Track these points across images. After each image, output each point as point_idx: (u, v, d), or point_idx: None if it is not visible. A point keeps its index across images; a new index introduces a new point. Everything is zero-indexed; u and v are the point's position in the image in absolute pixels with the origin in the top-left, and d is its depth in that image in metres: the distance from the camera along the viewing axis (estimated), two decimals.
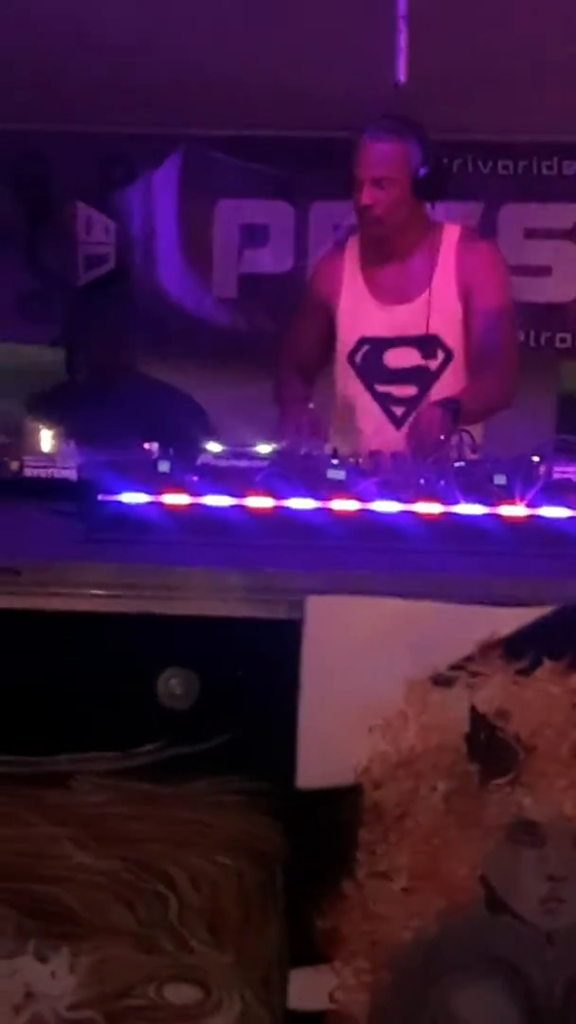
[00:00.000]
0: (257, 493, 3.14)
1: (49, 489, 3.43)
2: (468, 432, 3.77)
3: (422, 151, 4.42)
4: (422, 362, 4.48)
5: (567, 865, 2.84)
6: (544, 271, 6.25)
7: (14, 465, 3.51)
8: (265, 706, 2.89)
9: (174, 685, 2.92)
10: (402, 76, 4.62)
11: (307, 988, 2.89)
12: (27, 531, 3.22)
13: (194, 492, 3.14)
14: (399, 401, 4.48)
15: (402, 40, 4.64)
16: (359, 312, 4.55)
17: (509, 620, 2.88)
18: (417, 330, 4.48)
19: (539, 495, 3.12)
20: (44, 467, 3.47)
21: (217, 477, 3.19)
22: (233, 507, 3.13)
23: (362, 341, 4.53)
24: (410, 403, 4.45)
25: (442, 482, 3.16)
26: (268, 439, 3.39)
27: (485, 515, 3.11)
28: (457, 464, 3.29)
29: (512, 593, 2.91)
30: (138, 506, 3.13)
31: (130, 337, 5.32)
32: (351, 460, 3.27)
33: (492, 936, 2.87)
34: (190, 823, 2.93)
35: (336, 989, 2.89)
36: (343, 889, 2.88)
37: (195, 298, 6.43)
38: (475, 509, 3.12)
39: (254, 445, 3.36)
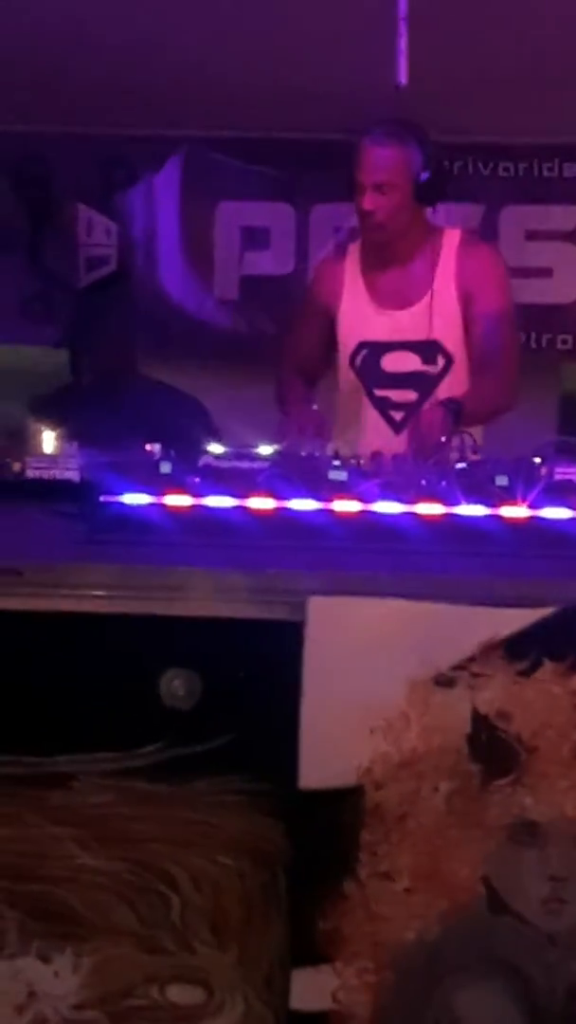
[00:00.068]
0: (259, 494, 3.14)
1: (51, 490, 3.42)
2: (469, 433, 3.77)
3: (423, 155, 4.41)
4: (422, 367, 4.47)
5: (568, 866, 2.85)
6: (545, 273, 6.24)
7: (16, 466, 3.50)
8: (267, 707, 2.89)
9: (176, 686, 2.93)
10: (403, 78, 4.61)
11: (309, 988, 2.89)
12: (29, 532, 3.21)
13: (196, 493, 3.15)
14: (398, 406, 4.47)
15: (403, 42, 4.63)
16: (360, 316, 4.54)
17: (510, 621, 2.88)
18: (417, 335, 4.48)
19: (540, 496, 3.12)
20: (46, 468, 3.47)
21: (219, 478, 3.19)
22: (235, 508, 3.13)
23: (362, 345, 4.53)
24: (409, 408, 4.45)
25: (443, 483, 3.16)
26: (271, 440, 3.39)
27: (486, 516, 3.12)
28: (458, 465, 3.29)
29: (513, 594, 2.91)
30: (140, 507, 3.13)
31: (132, 339, 5.31)
32: (353, 461, 3.27)
33: (494, 937, 2.87)
34: (192, 823, 2.93)
35: (338, 989, 2.90)
36: (345, 890, 2.89)
37: (196, 300, 6.43)
38: (476, 510, 3.12)
39: (256, 446, 3.36)
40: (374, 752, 2.87)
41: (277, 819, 2.92)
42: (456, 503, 3.12)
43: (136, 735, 2.92)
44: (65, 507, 3.28)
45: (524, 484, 3.13)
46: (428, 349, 4.46)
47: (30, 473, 3.48)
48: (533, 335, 6.19)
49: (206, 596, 2.95)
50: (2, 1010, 2.93)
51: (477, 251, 4.58)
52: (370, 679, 2.87)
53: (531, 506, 3.12)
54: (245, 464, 3.26)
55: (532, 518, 3.11)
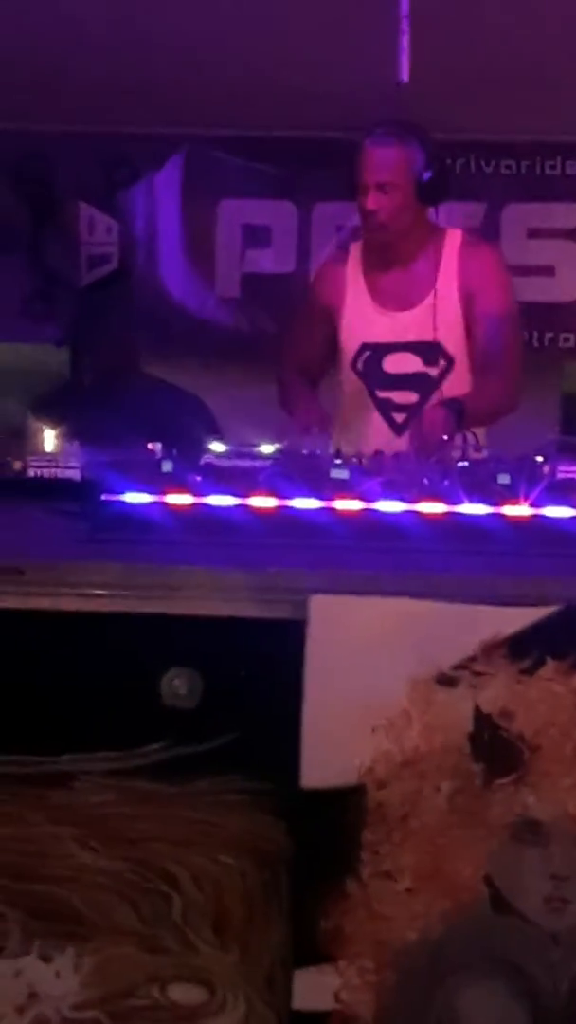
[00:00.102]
0: (260, 493, 3.13)
1: (53, 489, 3.42)
2: (472, 432, 3.76)
3: (425, 155, 4.40)
4: (423, 368, 4.47)
5: (571, 864, 2.84)
6: (547, 271, 6.24)
7: (18, 465, 3.50)
8: (269, 706, 2.89)
9: (178, 685, 2.92)
10: (405, 76, 4.62)
11: (311, 988, 2.89)
12: (31, 531, 3.21)
13: (197, 492, 3.14)
14: (400, 408, 4.47)
15: (405, 40, 4.63)
16: (362, 318, 4.54)
17: (513, 620, 2.88)
18: (419, 336, 4.47)
19: (543, 495, 3.12)
20: (48, 467, 3.46)
21: (220, 477, 3.19)
22: (236, 507, 3.13)
23: (364, 347, 4.52)
24: (411, 410, 4.44)
25: (446, 482, 3.16)
26: (274, 438, 3.38)
27: (489, 515, 3.11)
28: (461, 464, 3.28)
29: (516, 593, 2.91)
30: (142, 506, 3.13)
31: (133, 337, 5.31)
32: (354, 460, 3.26)
33: (497, 936, 2.87)
34: (194, 823, 2.93)
35: (340, 989, 2.89)
36: (347, 889, 2.88)
37: (198, 298, 6.42)
38: (479, 509, 3.11)
39: (257, 445, 3.36)
40: (376, 751, 2.87)
41: (279, 818, 2.91)
42: (458, 502, 3.12)
43: (137, 734, 2.92)
44: (66, 506, 3.28)
45: (526, 483, 3.13)
46: (429, 350, 4.46)
47: (31, 472, 3.47)
48: (535, 334, 6.18)
49: (207, 595, 2.95)
50: (3, 1010, 2.93)
51: (479, 252, 4.57)
52: (372, 678, 2.87)
53: (533, 505, 3.11)
54: (246, 463, 3.25)
55: (534, 517, 3.11)
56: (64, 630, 2.94)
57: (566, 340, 6.29)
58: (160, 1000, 2.93)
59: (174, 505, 3.13)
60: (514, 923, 2.87)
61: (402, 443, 4.27)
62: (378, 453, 3.41)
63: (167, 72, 5.47)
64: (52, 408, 4.30)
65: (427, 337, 4.46)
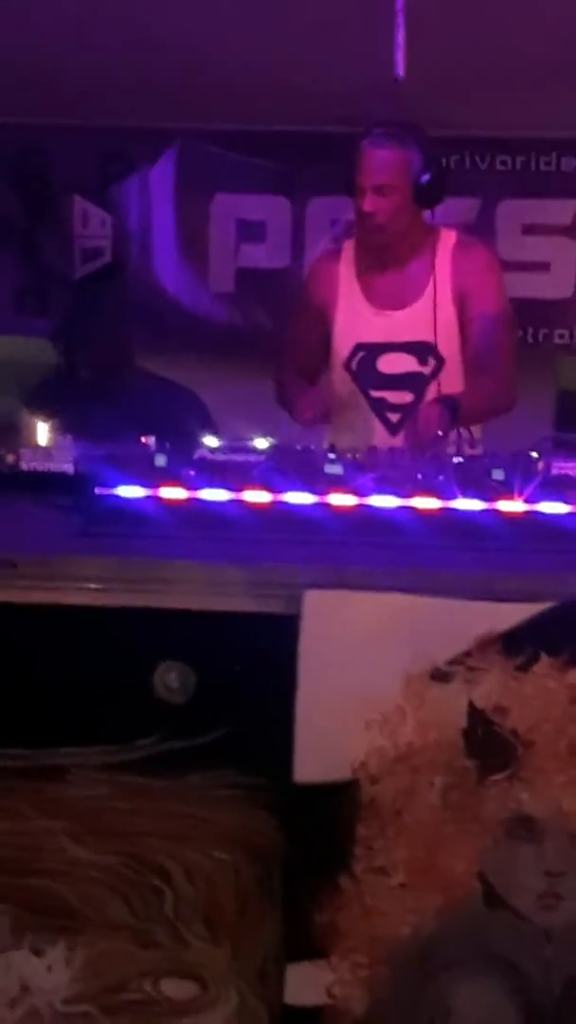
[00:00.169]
0: (254, 487, 3.13)
1: (46, 483, 3.42)
2: (467, 428, 3.76)
3: (423, 157, 4.40)
4: (418, 368, 4.47)
5: (565, 861, 2.84)
6: (542, 267, 6.25)
7: (11, 458, 3.50)
8: (262, 700, 2.88)
9: (171, 679, 2.92)
10: (400, 71, 4.62)
11: (304, 983, 2.88)
12: (24, 525, 3.21)
13: (191, 486, 3.14)
14: (394, 408, 4.47)
15: (400, 35, 4.64)
16: (355, 318, 4.54)
17: (507, 615, 2.87)
18: (413, 336, 4.47)
19: (537, 491, 3.12)
20: (41, 461, 3.47)
21: (214, 471, 3.18)
22: (230, 501, 3.12)
23: (358, 347, 4.52)
24: (405, 409, 4.44)
25: (440, 477, 3.16)
26: (271, 433, 3.38)
27: (483, 511, 3.11)
28: (455, 459, 3.28)
29: (510, 588, 2.90)
30: (135, 500, 3.13)
31: (127, 331, 5.30)
32: (349, 455, 3.26)
33: (490, 932, 2.86)
34: (186, 817, 2.92)
35: (333, 984, 2.89)
36: (340, 884, 2.88)
37: (191, 293, 6.43)
38: (473, 504, 3.12)
39: (251, 439, 3.35)
40: (370, 746, 2.86)
41: (272, 813, 2.91)
42: (453, 497, 3.12)
43: (130, 728, 2.92)
44: (60, 499, 3.28)
45: (521, 478, 3.13)
46: (424, 350, 4.46)
47: (24, 465, 3.48)
48: (530, 330, 6.19)
49: (201, 589, 2.94)
50: None
51: (473, 252, 4.58)
52: (366, 673, 2.86)
53: (528, 501, 3.11)
54: (240, 457, 3.25)
55: (529, 512, 3.11)
56: (57, 624, 2.94)
57: (561, 336, 6.30)
58: (152, 994, 2.92)
59: (168, 499, 3.13)
60: (507, 919, 2.86)
61: (397, 443, 4.27)
62: (372, 448, 3.41)
63: (162, 66, 5.46)
64: (45, 401, 4.29)
65: (421, 337, 4.46)
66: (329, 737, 2.86)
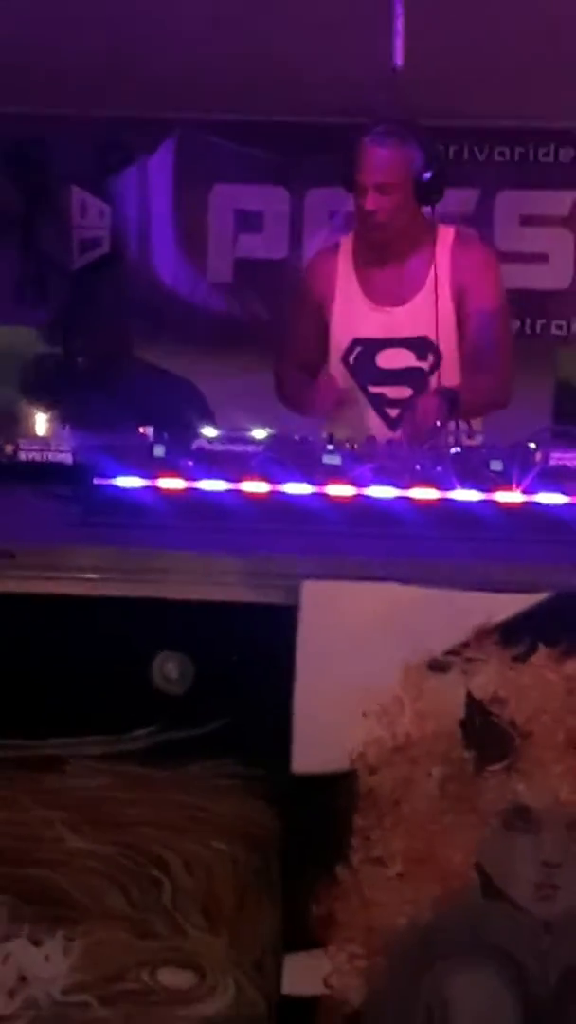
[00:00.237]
0: (253, 478, 3.13)
1: (44, 473, 3.42)
2: (466, 420, 3.76)
3: (424, 155, 4.39)
4: (416, 363, 4.47)
5: (562, 851, 2.84)
6: (540, 258, 6.23)
7: (9, 448, 3.50)
8: (260, 691, 2.88)
9: (169, 669, 2.92)
10: (399, 61, 4.61)
11: (301, 973, 2.89)
12: (22, 514, 3.21)
13: (189, 476, 3.14)
14: (393, 403, 4.46)
15: (399, 25, 4.63)
16: (352, 313, 4.53)
17: (505, 606, 2.88)
18: (411, 332, 4.46)
19: (535, 481, 3.12)
20: (39, 451, 3.46)
21: (212, 461, 3.18)
22: (228, 492, 3.12)
23: (355, 343, 4.52)
24: (404, 404, 4.43)
25: (438, 468, 3.16)
26: (286, 417, 3.37)
27: (481, 501, 3.11)
28: (453, 450, 3.28)
29: (508, 579, 2.91)
30: (133, 490, 3.12)
31: (124, 321, 5.31)
32: (347, 445, 3.26)
33: (487, 923, 2.87)
34: (185, 807, 2.93)
35: (330, 974, 2.89)
36: (338, 874, 2.88)
37: (189, 283, 6.41)
38: (471, 495, 3.12)
39: (249, 429, 3.35)
40: (367, 737, 2.87)
41: (270, 803, 2.91)
42: (451, 488, 3.12)
43: (129, 719, 2.92)
44: (58, 489, 3.28)
45: (519, 469, 3.13)
46: (421, 346, 4.46)
47: (23, 455, 3.47)
48: (528, 321, 6.18)
49: (199, 579, 2.94)
50: None
51: (471, 248, 4.57)
52: (364, 663, 2.86)
53: (526, 491, 3.11)
54: (239, 448, 3.25)
55: (527, 503, 3.11)
56: (56, 614, 2.94)
57: (559, 327, 6.28)
58: (150, 984, 2.93)
59: (166, 489, 3.13)
60: (505, 910, 2.87)
61: (396, 437, 4.27)
62: (371, 439, 3.41)
63: (161, 57, 5.45)
64: (43, 391, 4.29)
65: (420, 332, 4.45)
66: (327, 728, 2.87)
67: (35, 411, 3.61)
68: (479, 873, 2.87)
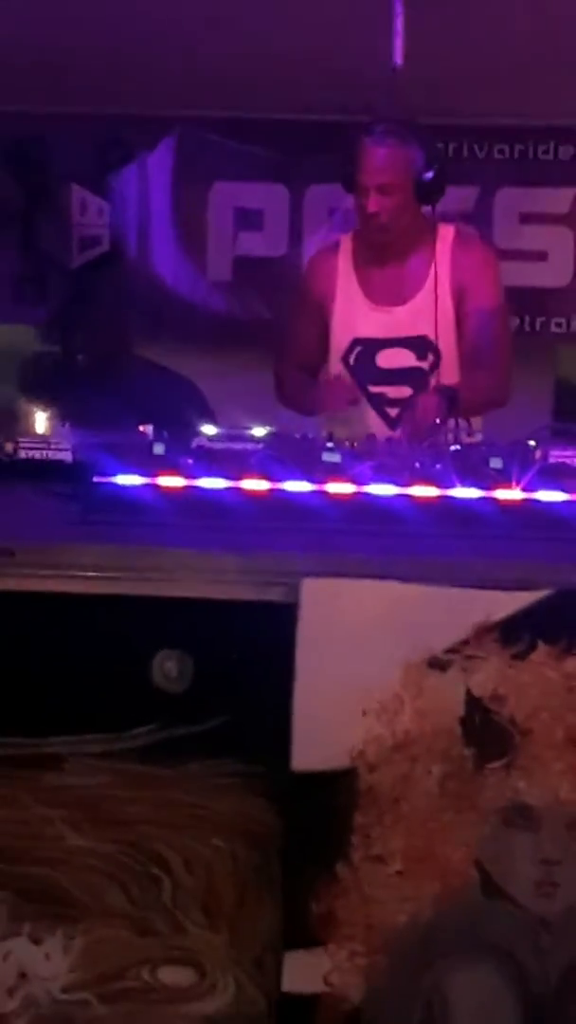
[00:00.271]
0: (252, 476, 3.14)
1: (44, 471, 3.42)
2: (465, 418, 3.76)
3: (425, 154, 4.39)
4: (416, 363, 4.47)
5: (562, 849, 2.84)
6: (540, 256, 6.23)
7: (9, 446, 3.50)
8: (260, 689, 2.88)
9: (169, 667, 2.92)
10: (399, 59, 4.61)
11: (301, 971, 2.89)
12: (22, 512, 3.21)
13: (189, 474, 3.14)
14: (393, 402, 4.46)
15: (399, 22, 4.63)
16: (353, 313, 4.53)
17: (505, 604, 2.87)
18: (412, 331, 4.47)
19: (535, 479, 3.12)
20: (39, 449, 3.47)
21: (212, 459, 3.19)
22: (228, 490, 3.13)
23: (356, 342, 4.52)
24: (405, 404, 4.44)
25: (438, 465, 3.16)
26: (285, 415, 3.38)
27: (481, 499, 3.11)
28: (453, 448, 3.28)
29: (508, 576, 2.91)
30: (133, 488, 3.13)
31: (124, 319, 5.31)
32: (346, 443, 3.26)
33: (487, 921, 2.87)
34: (185, 805, 2.93)
35: (330, 972, 2.89)
36: (338, 872, 2.88)
37: (189, 281, 6.41)
38: (471, 493, 3.12)
39: (249, 427, 3.36)
40: (367, 735, 2.86)
41: (270, 801, 2.91)
42: (450, 485, 3.12)
43: (129, 717, 2.92)
44: (58, 488, 3.28)
45: (519, 467, 3.13)
46: (421, 345, 4.46)
47: (23, 453, 3.48)
48: (527, 319, 6.18)
49: (199, 577, 2.94)
50: None
51: (471, 247, 4.58)
52: (364, 661, 2.86)
53: (525, 489, 3.12)
54: (238, 445, 3.25)
55: (526, 501, 3.11)
56: (55, 612, 2.94)
57: (558, 325, 6.28)
58: (150, 982, 2.93)
59: (166, 487, 3.13)
60: (504, 907, 2.87)
61: (397, 436, 4.27)
62: (370, 437, 3.41)
63: (161, 54, 5.45)
64: (43, 389, 4.29)
65: (420, 332, 4.46)
66: (327, 725, 2.87)
67: (35, 409, 3.62)
68: (479, 871, 2.87)
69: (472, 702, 2.86)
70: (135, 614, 2.93)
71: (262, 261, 6.37)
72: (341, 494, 3.12)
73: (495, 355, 4.47)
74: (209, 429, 3.32)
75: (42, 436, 3.55)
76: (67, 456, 3.43)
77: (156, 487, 3.12)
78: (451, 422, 3.78)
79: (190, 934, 2.93)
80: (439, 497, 3.12)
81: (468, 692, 2.86)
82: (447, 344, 4.46)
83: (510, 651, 2.87)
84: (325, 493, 3.12)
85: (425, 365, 4.46)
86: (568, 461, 3.18)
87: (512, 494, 3.11)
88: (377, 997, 2.89)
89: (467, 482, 3.12)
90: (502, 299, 4.55)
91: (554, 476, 3.14)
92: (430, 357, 4.45)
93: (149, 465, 3.14)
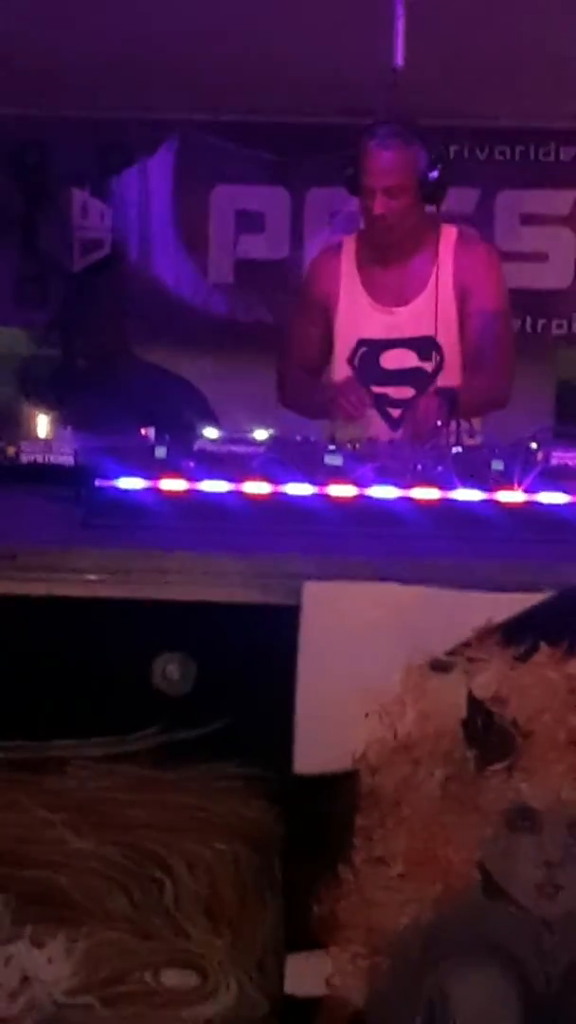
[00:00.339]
0: (254, 479, 3.13)
1: (46, 474, 3.43)
2: (467, 419, 3.77)
3: (428, 155, 4.40)
4: (419, 364, 4.47)
5: (564, 851, 2.84)
6: (540, 257, 6.25)
7: (11, 450, 3.51)
8: (262, 692, 2.88)
9: (171, 670, 2.92)
10: (400, 61, 4.61)
11: (303, 973, 2.89)
12: (24, 516, 3.21)
13: (191, 477, 3.14)
14: (396, 403, 4.47)
15: (400, 25, 4.63)
16: (357, 314, 4.53)
17: (506, 605, 2.87)
18: (414, 332, 4.47)
19: (536, 481, 3.12)
20: (41, 452, 3.47)
21: (214, 462, 3.18)
22: (230, 492, 3.12)
23: (361, 343, 4.52)
24: (407, 405, 4.44)
25: (439, 468, 3.16)
26: (287, 418, 3.38)
27: (482, 501, 3.11)
28: (455, 450, 3.28)
29: (509, 579, 2.91)
30: (135, 491, 3.13)
31: (125, 322, 5.31)
32: (348, 446, 3.26)
33: (488, 922, 2.87)
34: (186, 808, 2.93)
35: (332, 975, 2.89)
36: (340, 875, 2.88)
37: (190, 284, 6.42)
38: (472, 495, 3.12)
39: (251, 430, 3.36)
40: (369, 737, 2.86)
41: (272, 804, 2.91)
42: (452, 488, 3.12)
43: (130, 720, 2.92)
44: (60, 491, 3.28)
45: (520, 469, 3.13)
46: (425, 345, 4.46)
47: (24, 457, 3.48)
48: (528, 320, 6.19)
49: (201, 580, 2.94)
50: None
51: (474, 248, 4.58)
52: (365, 664, 2.86)
53: (527, 491, 3.11)
54: (240, 448, 3.25)
55: (528, 503, 3.11)
56: (57, 615, 2.94)
57: (559, 326, 6.29)
58: (152, 985, 2.93)
59: (168, 491, 3.13)
60: (506, 909, 2.87)
61: (399, 437, 4.28)
62: (372, 439, 3.41)
63: (161, 57, 5.46)
64: (44, 392, 4.30)
65: (423, 332, 4.46)
66: (329, 728, 2.87)
67: (36, 413, 3.62)
68: (481, 873, 2.87)
69: (474, 704, 2.86)
70: (137, 617, 2.93)
71: (263, 264, 6.38)
72: (343, 497, 3.12)
73: (496, 356, 4.47)
74: (211, 432, 3.32)
75: (44, 440, 3.55)
76: (69, 460, 3.43)
77: (158, 490, 3.12)
78: (452, 424, 3.78)
79: (192, 937, 2.93)
80: (441, 499, 3.11)
81: (470, 694, 2.86)
82: (450, 345, 4.46)
83: (512, 653, 2.87)
84: (327, 496, 3.12)
85: (428, 366, 4.46)
86: (569, 463, 3.18)
87: (514, 496, 3.11)
88: (379, 999, 2.88)
89: (468, 484, 3.12)
90: (505, 300, 4.55)
91: (555, 478, 3.14)
92: (434, 358, 4.45)
93: (151, 468, 3.14)
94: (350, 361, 4.52)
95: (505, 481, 3.12)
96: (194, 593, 2.93)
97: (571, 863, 2.85)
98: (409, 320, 4.48)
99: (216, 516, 3.10)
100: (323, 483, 3.13)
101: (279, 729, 2.86)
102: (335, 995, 2.89)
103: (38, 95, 5.87)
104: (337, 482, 3.13)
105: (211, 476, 3.14)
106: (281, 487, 3.12)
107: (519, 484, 3.11)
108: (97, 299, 5.46)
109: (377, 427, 4.42)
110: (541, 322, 6.27)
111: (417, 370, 4.47)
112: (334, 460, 3.16)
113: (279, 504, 3.12)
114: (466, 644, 2.87)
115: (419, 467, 3.16)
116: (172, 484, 3.13)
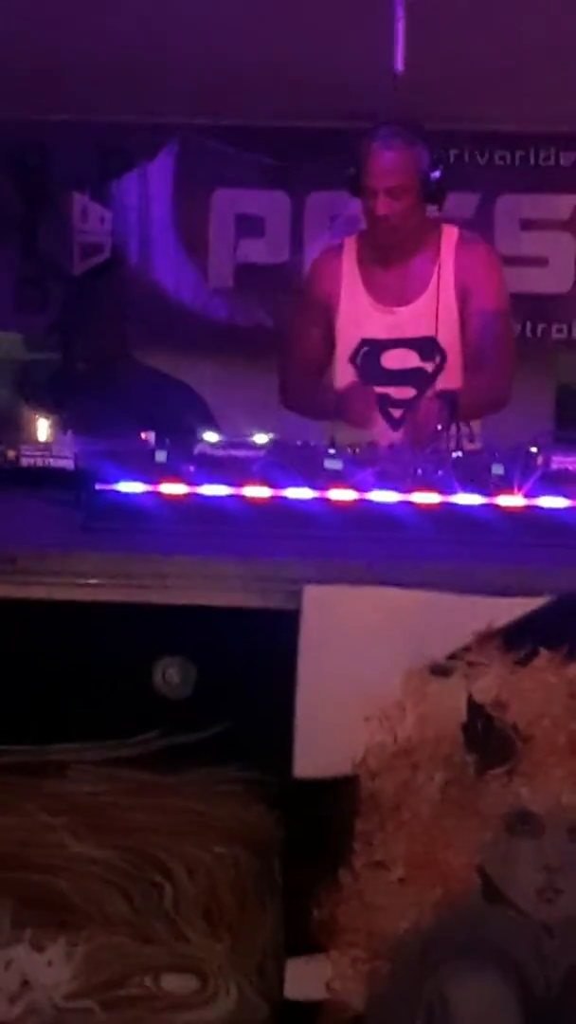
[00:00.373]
0: (254, 483, 3.13)
1: (46, 478, 3.43)
2: (467, 423, 3.77)
3: (430, 155, 4.40)
4: (420, 364, 4.48)
5: (564, 855, 2.84)
6: (540, 262, 6.24)
7: (11, 454, 3.51)
8: (262, 696, 2.88)
9: (171, 674, 2.92)
10: (400, 65, 4.62)
11: (303, 978, 2.89)
12: (24, 520, 3.21)
13: (191, 482, 3.14)
14: (397, 403, 4.47)
15: (400, 29, 4.63)
16: (359, 314, 4.54)
17: (506, 610, 2.87)
18: (416, 332, 4.48)
19: (537, 485, 3.12)
20: (41, 456, 3.47)
21: (214, 467, 3.19)
22: (230, 497, 3.13)
23: (363, 343, 4.53)
24: (408, 405, 4.44)
25: (440, 472, 3.16)
26: (287, 422, 3.38)
27: (483, 505, 3.11)
28: (455, 454, 3.28)
29: (509, 583, 2.91)
30: (135, 495, 3.13)
31: (125, 326, 5.31)
32: (348, 450, 3.26)
33: (489, 927, 2.87)
34: (186, 812, 2.93)
35: (332, 979, 2.89)
36: (340, 879, 2.88)
37: (190, 288, 6.42)
38: (473, 499, 3.12)
39: (251, 434, 3.36)
40: (369, 741, 2.86)
41: (272, 808, 2.91)
42: (452, 492, 3.12)
43: (131, 724, 2.92)
44: (60, 495, 3.28)
45: (520, 473, 3.13)
46: (426, 346, 4.47)
47: (24, 461, 3.48)
48: (529, 325, 6.19)
49: (201, 584, 2.94)
50: None
51: (475, 249, 4.58)
52: (365, 668, 2.86)
53: (527, 495, 3.11)
54: (240, 453, 3.25)
55: (528, 507, 3.11)
56: (57, 619, 2.94)
57: (559, 331, 6.29)
58: (152, 989, 2.93)
59: (168, 495, 3.13)
60: (506, 914, 2.87)
61: (399, 438, 4.28)
62: (372, 443, 3.41)
63: (162, 61, 5.46)
64: (44, 396, 4.30)
65: (424, 333, 4.46)
66: (329, 732, 2.87)
67: (36, 417, 3.62)
68: (481, 877, 2.87)
69: (474, 708, 2.86)
70: (137, 621, 2.93)
71: (263, 268, 6.38)
72: (343, 501, 3.12)
73: (497, 356, 4.47)
74: (211, 436, 3.32)
75: (44, 444, 3.55)
76: (69, 464, 3.43)
77: (158, 494, 3.13)
78: (453, 428, 3.78)
79: (192, 941, 2.93)
80: (441, 503, 3.12)
81: (470, 698, 2.86)
82: (451, 345, 4.47)
83: (512, 657, 2.87)
84: (327, 500, 3.12)
85: (430, 367, 4.46)
86: (570, 467, 3.18)
87: (514, 500, 3.11)
88: (379, 1003, 2.88)
89: (469, 488, 3.12)
90: (506, 300, 4.56)
91: (555, 482, 3.14)
92: (436, 358, 4.46)
93: (151, 472, 3.14)
94: (352, 361, 4.52)
95: (505, 485, 3.12)
96: (194, 597, 2.93)
97: (571, 867, 2.85)
98: (410, 320, 4.48)
99: (216, 520, 3.10)
100: (323, 487, 3.13)
101: (279, 733, 2.86)
102: (335, 999, 2.89)
103: (38, 99, 5.87)
104: (337, 486, 3.13)
105: (211, 480, 3.14)
106: (281, 491, 3.12)
107: (519, 488, 3.12)
108: (97, 303, 5.46)
109: (378, 427, 4.43)
110: (541, 326, 6.26)
111: (418, 370, 4.47)
112: (334, 464, 3.16)
113: (279, 508, 3.12)
114: (466, 648, 2.87)
115: (419, 471, 3.16)
116: (172, 488, 3.13)
